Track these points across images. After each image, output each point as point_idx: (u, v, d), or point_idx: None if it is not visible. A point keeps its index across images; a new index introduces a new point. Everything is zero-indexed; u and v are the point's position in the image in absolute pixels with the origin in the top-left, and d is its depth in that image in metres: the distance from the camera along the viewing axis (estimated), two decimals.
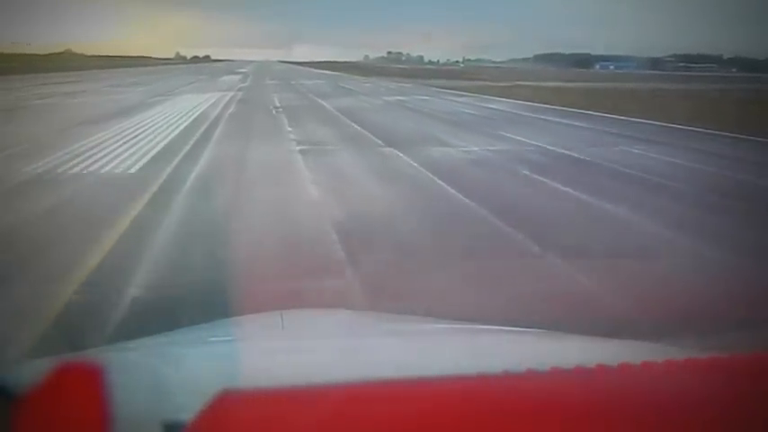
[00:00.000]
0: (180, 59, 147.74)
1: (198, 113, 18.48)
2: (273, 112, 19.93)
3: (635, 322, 3.83)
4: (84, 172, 9.00)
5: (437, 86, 40.71)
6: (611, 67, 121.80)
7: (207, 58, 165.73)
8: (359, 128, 15.67)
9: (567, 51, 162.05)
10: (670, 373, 0.87)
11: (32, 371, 0.88)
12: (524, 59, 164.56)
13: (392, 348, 1.48)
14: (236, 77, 50.05)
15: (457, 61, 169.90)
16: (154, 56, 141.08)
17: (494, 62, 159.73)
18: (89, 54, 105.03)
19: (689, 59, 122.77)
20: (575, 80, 51.02)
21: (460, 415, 0.74)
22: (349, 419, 0.74)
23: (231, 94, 28.35)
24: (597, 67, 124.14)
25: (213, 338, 1.69)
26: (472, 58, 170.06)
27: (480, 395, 0.78)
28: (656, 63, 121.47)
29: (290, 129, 15.14)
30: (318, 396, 0.78)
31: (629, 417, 0.75)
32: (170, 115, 17.59)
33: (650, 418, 0.75)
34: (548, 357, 1.22)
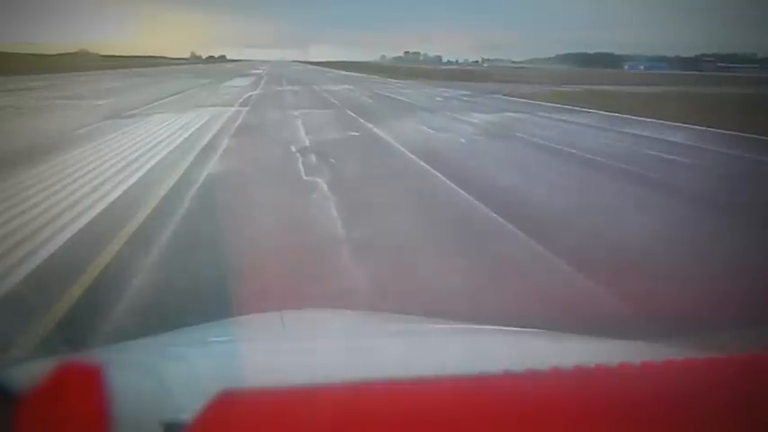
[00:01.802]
0: (195, 59, 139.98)
1: (133, 181, 7.65)
2: (300, 167, 9.09)
3: None
4: None
5: (493, 92, 30.37)
6: (641, 67, 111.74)
7: (222, 58, 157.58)
8: (537, 246, 4.84)
9: (591, 51, 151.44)
10: (670, 373, 0.83)
11: (32, 371, 0.85)
12: (546, 59, 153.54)
13: (392, 348, 1.42)
14: (246, 81, 39.17)
15: (476, 61, 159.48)
16: (169, 56, 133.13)
17: (514, 62, 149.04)
18: (103, 54, 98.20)
19: (729, 60, 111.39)
20: (638, 83, 41.00)
21: (461, 415, 0.72)
22: (349, 419, 0.72)
23: (231, 112, 17.53)
24: (626, 67, 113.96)
25: (213, 338, 1.63)
26: (491, 57, 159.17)
27: (480, 395, 0.76)
28: (692, 63, 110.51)
29: (358, 274, 4.16)
30: (318, 396, 0.76)
31: (629, 417, 0.73)
32: (47, 204, 6.66)
33: (650, 418, 0.73)
34: (548, 357, 1.19)
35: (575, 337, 1.56)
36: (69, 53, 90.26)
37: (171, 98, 23.07)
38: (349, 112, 18.78)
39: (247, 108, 19.22)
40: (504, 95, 29.37)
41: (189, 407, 0.73)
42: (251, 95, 25.87)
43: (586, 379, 0.79)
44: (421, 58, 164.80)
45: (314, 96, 26.96)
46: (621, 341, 1.61)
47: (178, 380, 1.07)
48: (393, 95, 28.85)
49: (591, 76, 55.58)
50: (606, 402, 0.74)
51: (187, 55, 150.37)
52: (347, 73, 63.45)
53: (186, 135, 12.21)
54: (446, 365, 1.15)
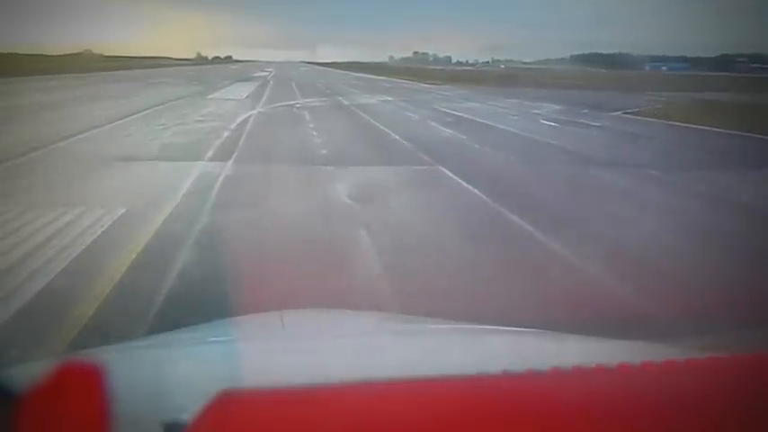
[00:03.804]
0: (201, 60, 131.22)
1: None
2: None
3: None
4: None
5: (586, 105, 23.27)
6: (664, 68, 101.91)
7: (228, 59, 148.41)
8: None
9: (606, 51, 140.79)
10: (670, 373, 0.80)
11: (32, 371, 0.82)
12: (560, 60, 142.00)
13: (392, 348, 1.36)
14: (246, 90, 28.01)
15: (487, 62, 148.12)
16: (175, 56, 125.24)
17: (525, 63, 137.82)
18: (107, 55, 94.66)
19: (757, 60, 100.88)
20: (721, 89, 30.64)
21: (461, 415, 0.70)
22: (349, 419, 0.70)
23: (185, 189, 6.22)
24: (647, 68, 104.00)
25: (213, 338, 1.57)
26: (500, 58, 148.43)
27: (480, 395, 0.74)
28: (722, 64, 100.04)
29: None
30: (318, 396, 0.74)
31: (630, 417, 0.71)
32: None
33: (650, 418, 0.70)
34: (548, 357, 1.17)
35: (575, 337, 1.49)
36: (72, 54, 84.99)
37: (95, 131, 11.99)
38: (458, 180, 7.81)
39: (229, 169, 8.17)
40: (623, 112, 18.60)
41: (189, 407, 0.71)
42: (247, 119, 14.89)
43: (586, 379, 0.77)
44: (431, 58, 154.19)
45: (351, 121, 15.95)
46: (621, 341, 1.53)
47: (178, 380, 1.03)
48: (468, 116, 17.95)
49: (644, 80, 44.71)
50: (606, 402, 0.73)
51: (193, 55, 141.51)
52: (363, 75, 52.78)
53: None
54: (446, 365, 1.09)
